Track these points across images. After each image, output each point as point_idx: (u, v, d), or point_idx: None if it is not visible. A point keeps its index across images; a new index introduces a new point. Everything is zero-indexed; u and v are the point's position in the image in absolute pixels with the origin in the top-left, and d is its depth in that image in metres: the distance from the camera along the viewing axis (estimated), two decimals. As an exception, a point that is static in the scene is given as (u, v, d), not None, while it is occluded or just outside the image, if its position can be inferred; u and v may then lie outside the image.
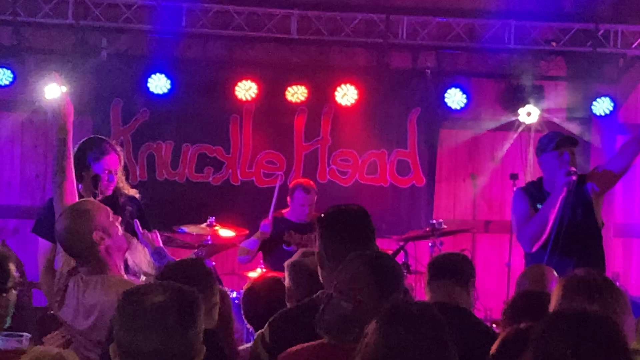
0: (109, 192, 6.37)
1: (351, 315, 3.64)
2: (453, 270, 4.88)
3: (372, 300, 3.64)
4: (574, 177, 6.60)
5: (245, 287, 5.73)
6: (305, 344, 3.80)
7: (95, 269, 4.74)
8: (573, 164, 6.68)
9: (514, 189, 9.05)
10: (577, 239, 6.67)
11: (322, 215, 4.43)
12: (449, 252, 5.52)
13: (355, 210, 4.42)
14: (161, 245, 5.44)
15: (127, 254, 5.08)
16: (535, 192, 6.86)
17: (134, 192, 6.71)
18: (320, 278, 4.32)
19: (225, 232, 8.32)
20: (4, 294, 3.92)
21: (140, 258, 5.35)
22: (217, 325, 4.16)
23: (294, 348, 3.84)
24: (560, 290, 3.73)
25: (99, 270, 4.74)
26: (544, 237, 6.62)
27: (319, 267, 4.30)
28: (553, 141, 6.74)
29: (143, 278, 5.41)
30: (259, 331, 4.46)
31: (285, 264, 5.11)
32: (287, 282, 5.01)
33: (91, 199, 5.78)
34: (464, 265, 4.99)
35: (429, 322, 3.07)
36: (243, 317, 5.58)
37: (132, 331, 2.82)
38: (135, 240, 5.37)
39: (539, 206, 6.72)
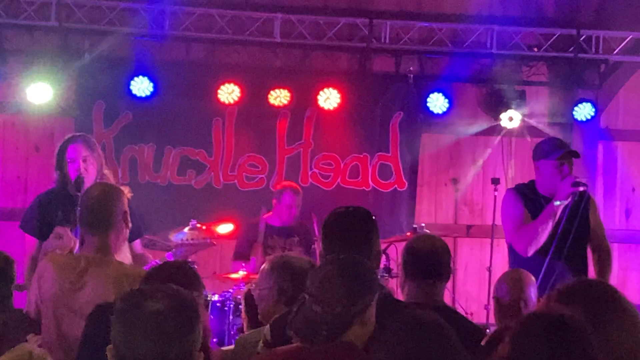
0: (73, 177, 6.35)
1: (320, 318, 3.66)
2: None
3: (341, 304, 3.65)
4: (581, 188, 6.60)
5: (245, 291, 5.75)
6: (281, 348, 3.81)
7: (102, 248, 4.75)
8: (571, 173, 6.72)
9: (495, 193, 9.11)
10: (577, 249, 6.71)
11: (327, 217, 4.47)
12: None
13: (354, 213, 4.46)
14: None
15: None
16: (529, 194, 6.84)
17: (124, 190, 6.71)
18: None
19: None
20: None
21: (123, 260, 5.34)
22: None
23: (270, 352, 3.86)
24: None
25: (104, 251, 4.75)
26: (542, 243, 6.61)
27: None
28: (556, 152, 6.72)
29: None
30: (250, 336, 4.47)
31: (274, 263, 5.05)
32: (269, 283, 4.95)
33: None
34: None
35: (442, 331, 3.18)
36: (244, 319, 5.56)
37: (130, 337, 2.80)
38: (126, 245, 5.37)
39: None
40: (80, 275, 4.66)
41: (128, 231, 4.92)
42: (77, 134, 6.91)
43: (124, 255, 5.28)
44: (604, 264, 6.97)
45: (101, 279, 4.62)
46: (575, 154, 6.85)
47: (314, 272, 3.83)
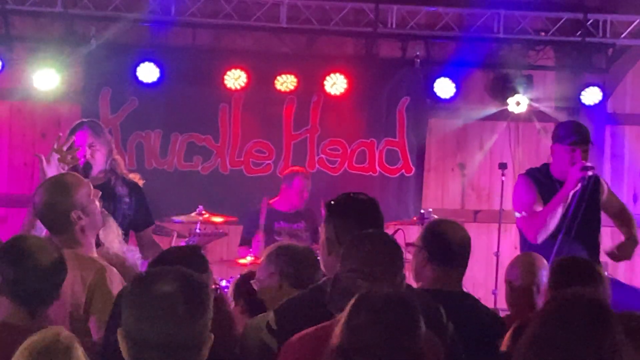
0: (81, 163, 6.31)
1: None
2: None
3: (387, 275, 3.75)
4: (590, 172, 6.59)
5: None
6: (309, 329, 3.81)
7: (67, 244, 4.66)
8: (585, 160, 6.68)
9: (503, 178, 9.12)
10: (587, 232, 6.69)
11: (334, 202, 4.43)
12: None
13: (368, 199, 4.47)
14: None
15: (100, 231, 5.03)
16: (541, 179, 6.81)
17: (135, 177, 6.70)
18: (323, 264, 4.37)
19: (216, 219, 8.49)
20: None
21: (112, 238, 5.31)
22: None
23: (299, 334, 3.86)
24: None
25: (70, 245, 4.67)
26: (552, 230, 6.58)
27: (324, 254, 4.32)
28: (570, 137, 6.70)
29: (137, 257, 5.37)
30: (260, 319, 4.47)
31: (270, 251, 5.04)
32: (269, 270, 4.94)
33: (72, 172, 5.69)
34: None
35: (396, 310, 3.16)
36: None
37: (141, 320, 2.79)
38: (111, 219, 5.33)
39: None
40: None
41: (95, 218, 4.80)
42: (85, 120, 6.91)
43: (112, 235, 5.23)
44: (628, 224, 6.99)
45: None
46: (588, 141, 6.82)
47: (352, 248, 3.87)
